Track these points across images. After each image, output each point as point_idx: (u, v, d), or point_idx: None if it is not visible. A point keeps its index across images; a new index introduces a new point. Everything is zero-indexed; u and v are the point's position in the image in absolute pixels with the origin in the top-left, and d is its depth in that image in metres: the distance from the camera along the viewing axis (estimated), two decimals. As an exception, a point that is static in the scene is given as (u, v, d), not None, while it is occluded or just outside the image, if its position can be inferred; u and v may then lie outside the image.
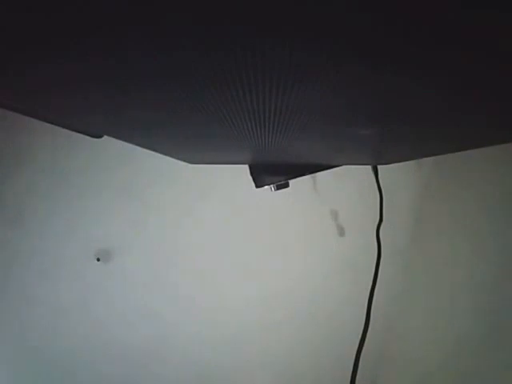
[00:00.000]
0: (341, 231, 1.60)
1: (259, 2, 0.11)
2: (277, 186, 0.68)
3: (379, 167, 0.66)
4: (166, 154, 0.52)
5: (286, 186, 0.68)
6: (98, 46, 0.14)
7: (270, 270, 1.58)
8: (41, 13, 0.11)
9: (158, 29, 0.13)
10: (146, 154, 1.11)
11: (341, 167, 0.62)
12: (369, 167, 0.67)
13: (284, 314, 1.58)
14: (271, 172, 0.65)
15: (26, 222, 1.33)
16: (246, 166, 0.65)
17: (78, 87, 0.20)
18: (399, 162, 0.62)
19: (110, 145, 1.28)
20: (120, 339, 1.52)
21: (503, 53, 0.15)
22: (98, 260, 1.47)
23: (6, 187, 1.29)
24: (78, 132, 0.51)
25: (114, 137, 0.40)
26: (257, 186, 0.66)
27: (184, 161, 0.60)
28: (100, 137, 0.53)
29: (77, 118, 0.30)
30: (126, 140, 0.42)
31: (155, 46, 0.14)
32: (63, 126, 0.39)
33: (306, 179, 0.61)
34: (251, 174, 0.65)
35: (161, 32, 0.13)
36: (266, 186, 0.67)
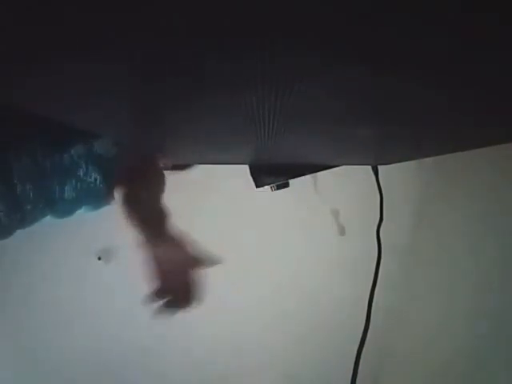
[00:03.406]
0: (341, 231, 1.60)
1: (260, 4, 0.11)
2: (277, 185, 0.68)
3: (379, 167, 0.66)
4: (166, 154, 0.52)
5: (286, 185, 0.68)
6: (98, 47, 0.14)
7: (270, 270, 1.58)
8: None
9: (158, 30, 0.13)
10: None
11: (341, 167, 0.62)
12: (369, 167, 0.67)
13: (284, 314, 1.58)
14: (271, 172, 0.65)
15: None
16: (246, 166, 0.64)
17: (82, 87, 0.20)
18: (399, 162, 0.62)
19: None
20: (120, 338, 1.52)
21: (503, 53, 0.15)
22: (99, 259, 1.47)
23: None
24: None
25: (111, 136, 0.40)
26: (257, 186, 0.66)
27: (184, 161, 0.60)
28: None
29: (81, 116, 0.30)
30: (124, 139, 0.42)
31: (155, 49, 0.14)
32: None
33: (306, 179, 0.61)
34: (251, 173, 0.65)
35: (160, 34, 0.13)
36: (266, 186, 0.67)
